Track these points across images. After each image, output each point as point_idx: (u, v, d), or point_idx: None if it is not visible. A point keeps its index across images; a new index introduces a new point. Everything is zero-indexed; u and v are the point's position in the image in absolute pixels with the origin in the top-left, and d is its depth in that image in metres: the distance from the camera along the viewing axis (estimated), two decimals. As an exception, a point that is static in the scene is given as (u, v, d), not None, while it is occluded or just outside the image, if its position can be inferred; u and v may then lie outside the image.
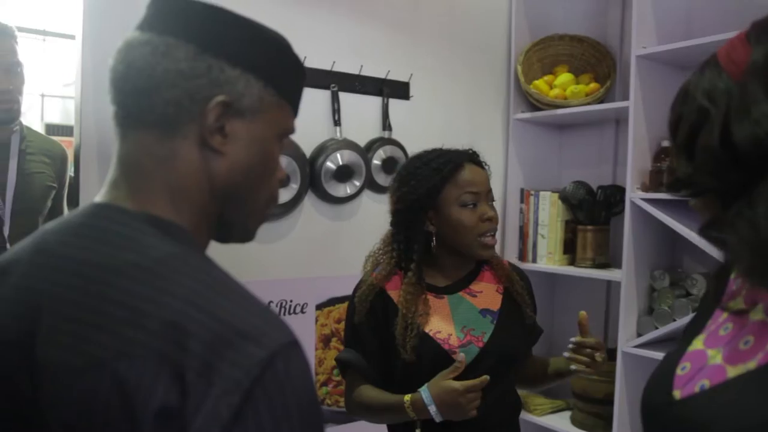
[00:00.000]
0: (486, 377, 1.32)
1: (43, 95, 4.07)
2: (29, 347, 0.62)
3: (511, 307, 1.51)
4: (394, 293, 1.46)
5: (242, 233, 0.79)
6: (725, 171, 0.70)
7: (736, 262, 0.72)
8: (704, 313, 0.86)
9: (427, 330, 1.43)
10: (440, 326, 1.44)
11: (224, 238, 0.78)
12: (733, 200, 0.70)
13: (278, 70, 0.74)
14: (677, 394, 0.77)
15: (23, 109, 2.04)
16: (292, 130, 0.79)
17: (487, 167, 1.53)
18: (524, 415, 2.45)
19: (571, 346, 1.43)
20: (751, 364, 0.70)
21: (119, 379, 0.57)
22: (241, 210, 0.75)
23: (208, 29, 0.69)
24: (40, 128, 3.58)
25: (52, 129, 3.39)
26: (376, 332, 1.45)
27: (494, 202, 1.50)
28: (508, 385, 1.52)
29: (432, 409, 1.31)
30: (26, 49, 3.22)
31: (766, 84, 0.67)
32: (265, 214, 0.80)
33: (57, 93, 3.77)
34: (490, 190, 1.49)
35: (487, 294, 1.51)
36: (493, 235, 1.46)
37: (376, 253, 1.56)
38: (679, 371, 0.80)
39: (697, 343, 0.82)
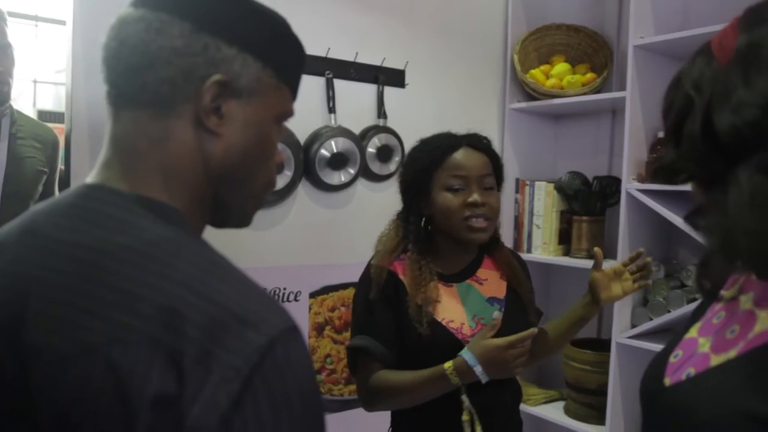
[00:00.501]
0: (534, 330, 1.32)
1: (35, 81, 4.03)
2: (17, 333, 0.60)
3: (515, 295, 1.51)
4: (404, 277, 1.46)
5: (239, 218, 0.77)
6: (706, 158, 0.70)
7: (712, 249, 0.72)
8: (706, 303, 0.87)
9: (439, 318, 1.42)
10: (452, 315, 1.43)
11: (220, 223, 0.76)
12: (714, 188, 0.70)
13: (277, 51, 0.72)
14: (667, 381, 0.78)
15: (14, 94, 2.01)
16: (290, 114, 0.77)
17: (491, 152, 1.50)
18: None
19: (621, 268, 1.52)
20: (732, 353, 0.71)
21: (112, 365, 0.55)
22: (238, 193, 0.73)
23: (205, 6, 0.67)
24: (32, 114, 3.55)
25: (44, 115, 3.35)
26: (389, 311, 1.43)
27: (491, 189, 1.46)
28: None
29: (478, 369, 1.29)
30: (18, 35, 3.19)
31: (745, 71, 0.65)
32: (262, 199, 0.78)
33: (49, 79, 3.74)
34: (486, 175, 1.45)
35: (492, 281, 1.51)
36: (486, 219, 1.43)
37: (383, 236, 1.57)
38: (672, 358, 0.81)
39: (693, 331, 0.82)
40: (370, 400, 1.43)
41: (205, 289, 0.58)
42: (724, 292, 0.81)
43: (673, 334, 0.89)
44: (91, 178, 0.69)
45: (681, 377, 0.76)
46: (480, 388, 1.34)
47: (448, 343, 1.39)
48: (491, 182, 1.46)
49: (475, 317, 1.44)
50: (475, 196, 1.42)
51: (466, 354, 1.32)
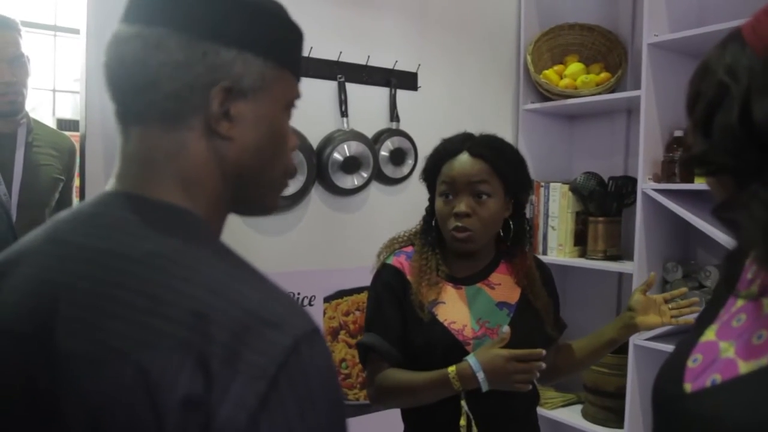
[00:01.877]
0: (541, 351, 1.30)
1: (54, 90, 4.08)
2: (47, 340, 0.60)
3: (530, 301, 1.48)
4: (410, 276, 1.46)
5: (262, 208, 0.78)
6: (742, 150, 0.67)
7: (749, 246, 0.69)
8: (717, 301, 0.83)
9: (441, 319, 1.41)
10: (456, 316, 1.42)
11: (244, 213, 0.77)
12: (749, 180, 0.67)
13: (275, 40, 0.71)
14: (688, 387, 0.75)
15: (34, 103, 2.03)
16: (298, 96, 0.76)
17: (493, 158, 1.44)
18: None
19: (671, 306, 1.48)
20: (764, 360, 0.68)
21: (142, 369, 0.56)
22: (258, 188, 0.74)
23: (197, 13, 0.66)
24: (51, 123, 3.59)
25: (63, 124, 3.40)
26: (397, 309, 1.44)
27: (487, 197, 1.41)
28: None
29: (480, 375, 1.29)
30: (37, 45, 3.23)
31: None
32: (285, 185, 0.78)
33: (68, 88, 3.78)
34: (480, 182, 1.41)
35: (505, 286, 1.49)
36: (467, 230, 1.41)
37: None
38: (690, 363, 0.77)
39: (710, 334, 0.79)
40: (375, 397, 1.45)
41: (230, 293, 0.59)
42: (741, 291, 0.79)
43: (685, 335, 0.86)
44: (110, 186, 0.69)
45: (705, 384, 0.72)
46: (482, 395, 1.33)
47: (448, 344, 1.38)
48: (487, 189, 1.41)
49: (480, 320, 1.42)
50: (459, 206, 1.41)
51: (471, 359, 1.31)
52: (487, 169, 1.42)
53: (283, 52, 0.72)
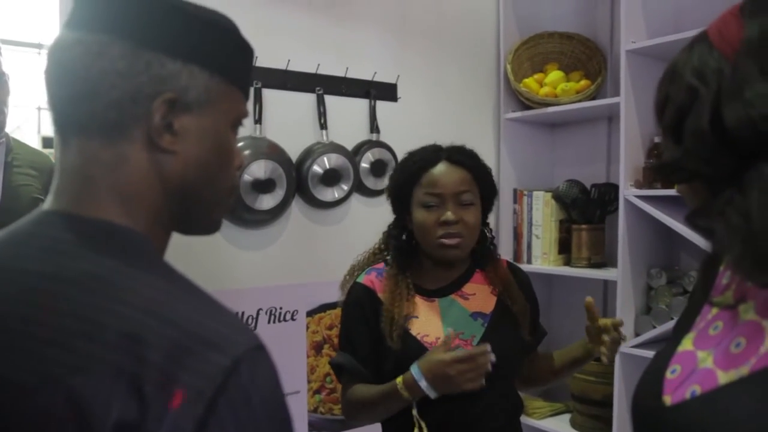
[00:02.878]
0: (484, 347, 1.28)
1: (39, 108, 4.04)
2: None
3: (506, 310, 1.47)
4: (381, 294, 1.45)
5: (205, 226, 0.75)
6: (715, 155, 0.65)
7: (724, 253, 0.67)
8: (693, 308, 0.82)
9: (414, 333, 1.40)
10: (429, 329, 1.41)
11: (186, 231, 0.74)
12: (721, 186, 0.65)
13: (223, 55, 0.69)
14: (667, 399, 0.73)
15: (18, 121, 2.01)
16: (245, 115, 0.75)
17: (473, 166, 1.46)
18: (523, 419, 2.41)
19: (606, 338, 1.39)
20: (744, 370, 0.66)
21: (74, 395, 0.54)
22: (201, 205, 0.72)
23: (142, 22, 0.64)
24: (37, 141, 3.54)
25: (48, 142, 3.36)
26: (366, 328, 1.44)
27: (470, 205, 1.42)
28: (506, 389, 1.48)
29: (423, 383, 1.28)
30: (21, 63, 3.20)
31: (761, 62, 0.62)
32: (228, 204, 0.76)
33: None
34: (464, 192, 1.41)
35: (480, 296, 1.48)
36: (458, 237, 1.40)
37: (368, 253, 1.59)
38: (668, 374, 0.75)
39: (687, 343, 0.77)
40: (346, 413, 1.49)
41: (167, 313, 0.57)
42: (714, 298, 0.77)
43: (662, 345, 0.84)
44: (47, 204, 0.67)
45: (684, 396, 0.71)
46: (433, 403, 1.32)
47: (420, 356, 1.36)
48: (469, 198, 1.42)
49: (453, 332, 1.41)
50: (448, 214, 1.39)
51: (413, 368, 1.31)
52: (468, 177, 1.43)
53: (231, 68, 0.71)
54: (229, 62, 0.70)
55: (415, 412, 1.35)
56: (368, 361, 1.43)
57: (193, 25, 0.67)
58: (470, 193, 1.42)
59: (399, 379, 1.32)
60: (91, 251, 0.61)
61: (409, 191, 1.45)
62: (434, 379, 1.28)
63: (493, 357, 1.29)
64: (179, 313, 0.58)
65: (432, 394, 1.29)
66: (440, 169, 1.43)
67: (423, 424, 1.36)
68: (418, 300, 1.45)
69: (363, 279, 1.49)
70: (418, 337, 1.40)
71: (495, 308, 1.46)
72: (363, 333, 1.44)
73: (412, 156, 1.48)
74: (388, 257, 1.53)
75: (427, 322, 1.42)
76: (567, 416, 2.45)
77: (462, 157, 1.44)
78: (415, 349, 1.38)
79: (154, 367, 0.54)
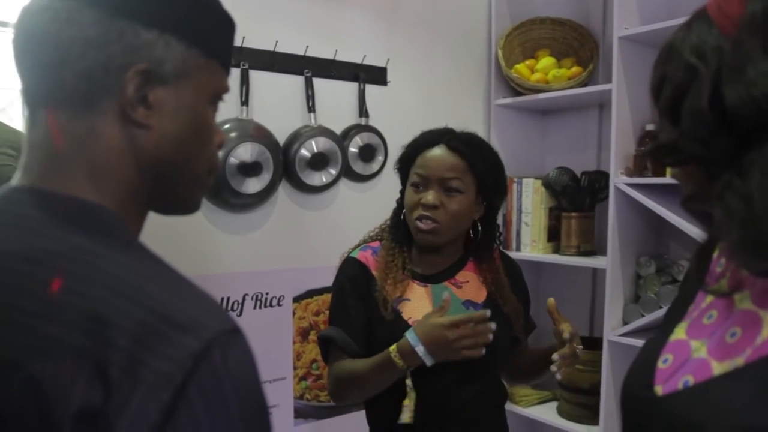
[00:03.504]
0: (484, 312, 1.26)
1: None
2: None
3: (497, 300, 1.46)
4: (375, 271, 1.44)
5: (184, 206, 0.72)
6: (714, 136, 0.63)
7: (722, 238, 0.65)
8: (685, 296, 0.80)
9: (406, 317, 1.39)
10: (420, 314, 1.39)
11: (164, 211, 0.71)
12: (720, 169, 0.63)
13: (201, 27, 0.66)
14: (659, 389, 0.71)
15: (3, 103, 1.95)
16: (225, 90, 0.71)
17: (470, 155, 1.41)
18: (510, 407, 2.41)
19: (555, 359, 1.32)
20: (739, 361, 0.64)
21: (33, 380, 0.51)
22: (178, 184, 0.68)
23: None
24: (22, 123, 3.47)
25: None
26: (359, 303, 1.41)
27: (458, 193, 1.39)
28: (494, 380, 1.48)
29: (420, 349, 1.25)
30: (6, 44, 3.13)
31: (763, 40, 0.59)
32: (208, 183, 0.73)
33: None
34: (452, 178, 1.38)
35: (472, 285, 1.46)
36: (434, 221, 1.38)
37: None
38: (660, 364, 0.73)
39: (679, 332, 0.75)
40: (332, 390, 1.43)
41: (135, 294, 0.54)
42: (709, 287, 0.75)
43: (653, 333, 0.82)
44: (15, 180, 0.64)
45: (677, 386, 0.69)
46: (429, 383, 1.31)
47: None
48: (458, 185, 1.38)
49: None
50: (428, 197, 1.38)
51: (409, 334, 1.28)
52: (461, 165, 1.40)
53: (211, 41, 0.67)
54: (208, 34, 0.67)
55: (409, 381, 1.32)
56: (359, 336, 1.40)
57: None
58: (459, 181, 1.39)
59: (393, 347, 1.29)
60: (57, 228, 0.58)
61: (407, 169, 1.45)
62: (431, 344, 1.25)
63: (493, 325, 1.27)
64: (148, 293, 0.55)
65: (429, 361, 1.26)
66: (435, 151, 1.41)
67: (414, 394, 1.33)
68: (412, 284, 1.43)
69: (357, 254, 1.47)
70: (409, 321, 1.38)
71: (487, 298, 1.45)
72: (355, 307, 1.41)
73: (420, 135, 1.47)
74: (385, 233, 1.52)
75: (418, 306, 1.41)
76: (554, 404, 2.44)
77: (461, 144, 1.41)
78: (405, 331, 1.34)
79: (120, 350, 0.51)
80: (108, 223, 0.62)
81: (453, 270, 1.47)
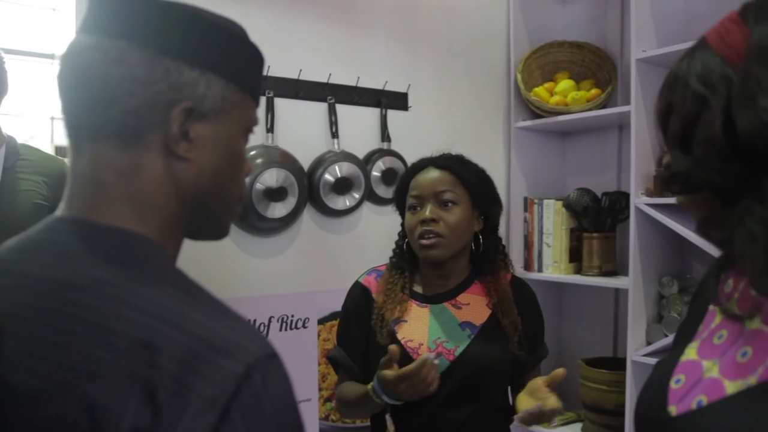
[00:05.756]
0: (424, 357, 1.27)
1: (52, 118, 4.09)
2: None
3: (499, 323, 1.46)
4: (375, 294, 1.50)
5: (215, 232, 0.76)
6: (726, 163, 0.64)
7: (743, 264, 0.66)
8: (695, 317, 0.81)
9: (400, 337, 1.43)
10: (414, 335, 1.43)
11: (196, 237, 0.75)
12: (733, 195, 0.64)
13: (238, 63, 0.70)
14: (673, 410, 0.72)
15: (31, 132, 2.00)
16: (256, 122, 0.75)
17: (456, 168, 1.46)
18: (534, 428, 2.40)
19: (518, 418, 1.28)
20: (752, 380, 0.65)
21: (88, 402, 0.54)
22: (212, 212, 0.72)
23: (162, 30, 0.65)
24: (50, 151, 3.56)
25: (61, 151, 3.38)
26: (358, 326, 1.49)
27: (453, 204, 1.43)
28: (491, 400, 1.46)
29: (384, 397, 1.32)
30: (35, 73, 3.24)
31: None
32: (237, 211, 0.77)
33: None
34: (445, 191, 1.44)
35: (474, 307, 1.48)
36: (436, 236, 1.41)
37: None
38: (673, 384, 0.74)
39: (690, 353, 0.76)
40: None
41: (179, 320, 0.57)
42: (715, 306, 0.77)
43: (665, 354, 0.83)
44: (60, 211, 0.67)
45: (690, 406, 0.70)
46: (413, 410, 1.35)
47: (403, 362, 1.37)
48: (450, 197, 1.44)
49: (437, 340, 1.43)
50: (425, 212, 1.43)
51: (374, 381, 1.34)
52: (451, 179, 1.46)
53: (246, 76, 0.71)
54: (244, 71, 0.71)
55: (388, 416, 1.40)
56: (358, 358, 1.47)
57: (212, 33, 0.67)
58: (451, 193, 1.44)
59: (369, 386, 1.35)
60: (103, 258, 0.61)
61: (403, 198, 1.51)
62: (391, 393, 1.31)
63: (436, 361, 1.29)
64: (192, 320, 0.58)
65: (397, 402, 1.32)
66: (424, 173, 1.48)
67: (393, 428, 1.40)
68: (411, 304, 1.47)
69: (363, 279, 1.55)
70: (403, 341, 1.42)
71: (487, 320, 1.46)
72: (355, 329, 1.49)
73: (409, 166, 1.55)
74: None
75: (413, 327, 1.44)
76: (579, 425, 2.43)
77: (447, 161, 1.48)
78: (399, 353, 1.38)
79: (167, 374, 0.54)
80: (150, 252, 0.65)
81: (456, 291, 1.49)
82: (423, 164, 1.50)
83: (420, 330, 1.43)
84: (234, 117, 0.70)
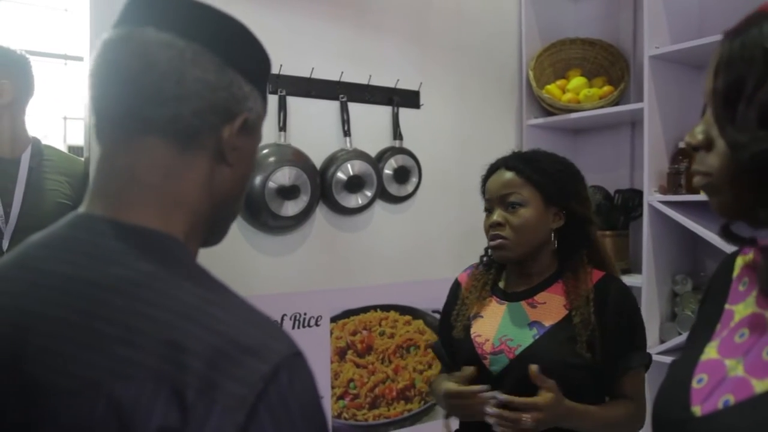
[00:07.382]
0: (478, 388, 1.28)
1: (65, 118, 4.13)
2: (17, 368, 0.59)
3: (573, 325, 1.37)
4: (464, 288, 1.55)
5: (218, 237, 0.78)
6: None
7: None
8: (709, 316, 0.79)
9: (472, 331, 1.44)
10: (484, 330, 1.43)
11: (206, 242, 0.76)
12: None
13: (267, 80, 0.75)
14: (697, 410, 0.70)
15: (45, 130, 2.03)
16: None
17: (522, 168, 1.42)
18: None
19: (493, 403, 1.26)
20: None
21: (115, 400, 0.54)
22: (229, 215, 0.77)
23: (228, 40, 0.68)
24: (63, 150, 3.60)
25: (74, 151, 3.41)
26: (448, 318, 1.55)
27: (519, 206, 1.39)
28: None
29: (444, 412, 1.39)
30: (48, 74, 3.28)
31: None
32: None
33: (79, 116, 3.83)
34: (510, 194, 1.40)
35: (549, 306, 1.41)
36: (501, 238, 1.40)
37: None
38: (695, 384, 0.73)
39: (711, 352, 0.75)
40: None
41: (205, 319, 0.58)
42: (732, 306, 0.75)
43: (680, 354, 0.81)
44: (84, 207, 0.67)
45: (717, 405, 0.68)
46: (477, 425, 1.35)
47: (470, 356, 1.40)
48: (516, 199, 1.40)
49: (503, 338, 1.39)
50: (492, 217, 1.43)
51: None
52: (517, 180, 1.41)
53: (266, 91, 0.76)
54: (266, 84, 0.75)
55: (442, 418, 1.47)
56: (448, 351, 1.55)
57: (260, 53, 0.72)
58: (517, 195, 1.40)
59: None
60: (131, 257, 0.61)
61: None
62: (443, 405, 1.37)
63: (500, 397, 1.24)
64: (218, 320, 0.58)
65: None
66: (495, 176, 1.46)
67: (453, 428, 1.46)
68: (492, 301, 1.48)
69: (460, 274, 1.60)
70: (473, 336, 1.43)
71: (560, 321, 1.38)
72: (445, 322, 1.56)
73: (487, 168, 1.53)
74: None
75: (486, 324, 1.44)
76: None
77: (516, 161, 1.44)
78: (467, 346, 1.43)
79: (195, 374, 0.54)
80: (177, 253, 0.65)
81: (535, 290, 1.44)
82: (496, 166, 1.49)
83: (491, 326, 1.43)
84: (259, 131, 0.74)
